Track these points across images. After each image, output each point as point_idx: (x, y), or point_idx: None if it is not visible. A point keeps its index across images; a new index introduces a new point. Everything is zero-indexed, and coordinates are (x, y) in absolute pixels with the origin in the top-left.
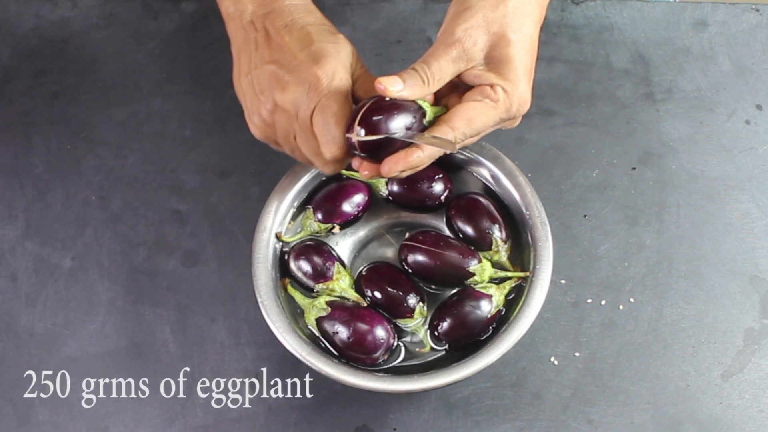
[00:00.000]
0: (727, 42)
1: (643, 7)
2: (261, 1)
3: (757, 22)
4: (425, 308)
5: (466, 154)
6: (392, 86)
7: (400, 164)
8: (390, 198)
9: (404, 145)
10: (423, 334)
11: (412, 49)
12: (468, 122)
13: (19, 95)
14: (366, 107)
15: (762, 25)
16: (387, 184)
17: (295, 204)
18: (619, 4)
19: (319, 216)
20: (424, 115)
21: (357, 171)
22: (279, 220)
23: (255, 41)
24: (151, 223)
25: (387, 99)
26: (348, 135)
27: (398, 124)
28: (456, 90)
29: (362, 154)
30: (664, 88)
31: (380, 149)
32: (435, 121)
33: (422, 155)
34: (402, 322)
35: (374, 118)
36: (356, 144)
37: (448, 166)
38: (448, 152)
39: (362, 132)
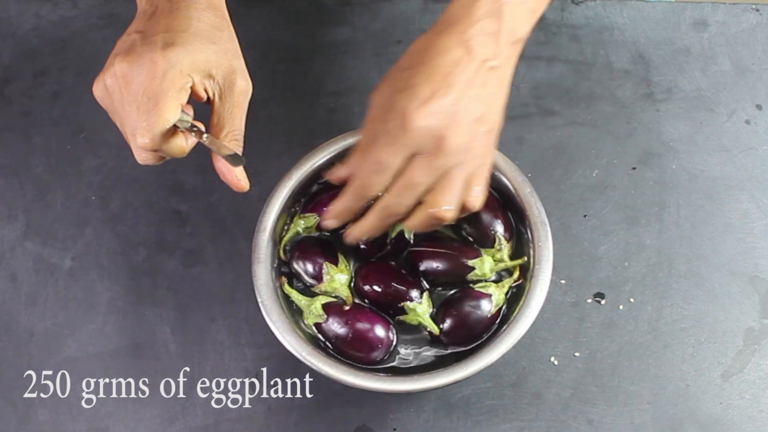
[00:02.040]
0: (727, 42)
1: (643, 7)
2: None
3: (757, 22)
4: (425, 297)
5: None
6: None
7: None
8: None
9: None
10: (426, 319)
11: None
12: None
13: (19, 95)
14: None
15: (762, 25)
16: None
17: (295, 204)
18: (619, 4)
19: (319, 216)
20: None
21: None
22: (279, 220)
23: (144, 12)
24: (151, 223)
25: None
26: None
27: None
28: None
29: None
30: (664, 88)
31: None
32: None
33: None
34: (404, 317)
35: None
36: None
37: None
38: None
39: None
